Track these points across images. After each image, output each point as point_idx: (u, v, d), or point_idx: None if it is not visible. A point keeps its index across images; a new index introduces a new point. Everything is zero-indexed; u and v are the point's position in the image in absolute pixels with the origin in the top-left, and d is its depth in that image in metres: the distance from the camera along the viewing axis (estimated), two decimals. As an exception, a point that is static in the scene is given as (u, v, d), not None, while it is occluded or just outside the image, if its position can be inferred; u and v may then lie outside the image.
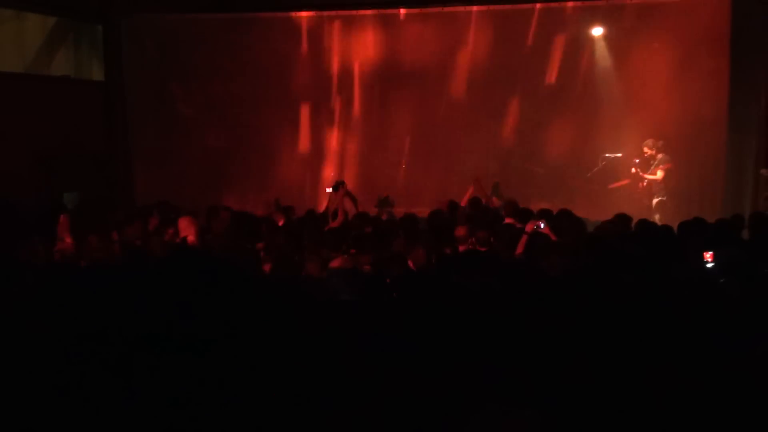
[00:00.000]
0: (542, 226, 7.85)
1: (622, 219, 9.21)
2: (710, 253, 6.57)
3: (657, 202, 13.04)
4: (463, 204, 10.84)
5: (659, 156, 13.06)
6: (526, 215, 9.13)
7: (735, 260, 6.60)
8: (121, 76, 13.99)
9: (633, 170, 13.22)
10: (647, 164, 13.16)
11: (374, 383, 4.52)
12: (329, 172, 14.47)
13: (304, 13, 14.70)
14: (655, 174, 13.00)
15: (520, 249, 7.65)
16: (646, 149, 13.15)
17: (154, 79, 14.60)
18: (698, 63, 13.21)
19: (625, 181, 13.81)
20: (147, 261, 6.98)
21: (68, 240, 8.44)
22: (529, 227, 7.92)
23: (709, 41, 13.07)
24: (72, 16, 13.44)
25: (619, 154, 14.09)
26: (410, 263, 7.02)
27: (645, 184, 13.16)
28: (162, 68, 14.59)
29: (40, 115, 12.27)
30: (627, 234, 8.62)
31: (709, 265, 6.52)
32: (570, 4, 13.55)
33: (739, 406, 4.31)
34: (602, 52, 14.15)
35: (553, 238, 7.79)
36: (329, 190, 10.27)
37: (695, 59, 13.25)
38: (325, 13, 14.69)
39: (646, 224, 9.20)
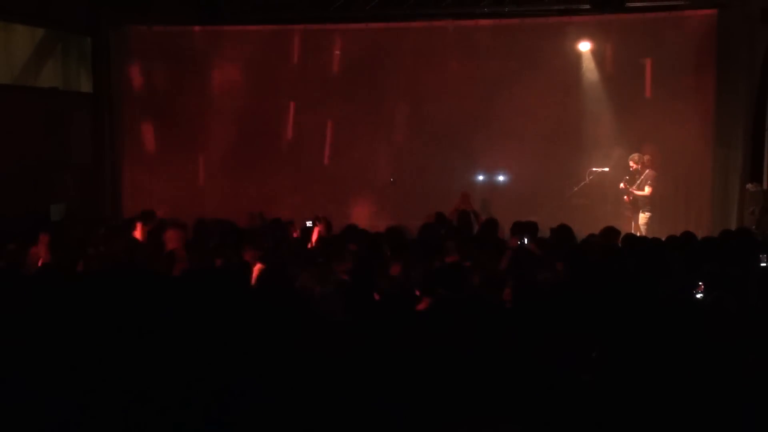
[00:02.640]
0: (526, 241, 7.88)
1: (610, 232, 9.22)
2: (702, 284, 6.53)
3: (643, 218, 13.04)
4: (449, 217, 10.86)
5: (646, 171, 13.08)
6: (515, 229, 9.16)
7: (723, 275, 6.63)
8: (109, 88, 13.97)
9: (621, 185, 13.23)
10: (633, 179, 13.19)
11: (364, 396, 4.54)
12: (318, 187, 14.37)
13: (292, 26, 14.71)
14: (642, 190, 13.02)
15: (504, 263, 7.66)
16: (632, 163, 13.16)
17: (142, 91, 14.57)
18: (684, 78, 13.30)
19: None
20: (131, 272, 6.95)
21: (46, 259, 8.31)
22: (513, 242, 7.94)
23: (695, 57, 13.16)
24: (60, 28, 13.42)
25: (606, 169, 14.13)
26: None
27: (630, 198, 13.17)
28: (150, 80, 14.56)
29: (28, 127, 12.24)
30: (615, 248, 8.63)
31: (699, 296, 6.48)
32: (556, 19, 13.60)
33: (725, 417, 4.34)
34: (589, 67, 14.21)
35: (537, 252, 7.82)
36: (309, 223, 10.31)
37: (681, 74, 13.34)
38: (313, 26, 14.70)
39: (633, 239, 9.24)
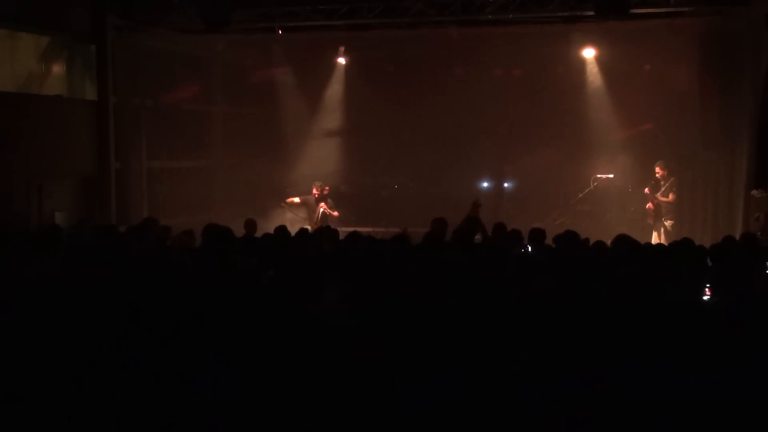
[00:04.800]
0: (530, 249, 7.86)
1: (622, 241, 9.12)
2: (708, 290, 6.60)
3: (669, 225, 12.96)
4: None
5: (671, 179, 13.05)
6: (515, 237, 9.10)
7: (728, 280, 6.62)
8: (114, 96, 13.98)
9: (646, 190, 13.19)
10: (657, 185, 13.15)
11: (367, 401, 4.55)
12: (316, 191, 14.33)
13: (296, 34, 14.73)
14: (667, 197, 13.00)
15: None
16: (658, 170, 13.12)
17: (146, 98, 14.57)
18: (688, 84, 13.30)
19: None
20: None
21: None
22: (517, 249, 7.91)
23: (699, 63, 13.15)
24: (65, 36, 13.45)
25: (611, 175, 14.13)
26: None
27: (653, 205, 13.13)
28: (155, 88, 14.56)
29: (32, 135, 12.25)
30: (619, 254, 8.58)
31: (706, 298, 6.53)
32: (560, 26, 13.59)
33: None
34: (593, 74, 14.23)
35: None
36: None
37: (685, 80, 13.34)
38: (317, 34, 14.73)
39: (637, 244, 9.18)
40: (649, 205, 13.22)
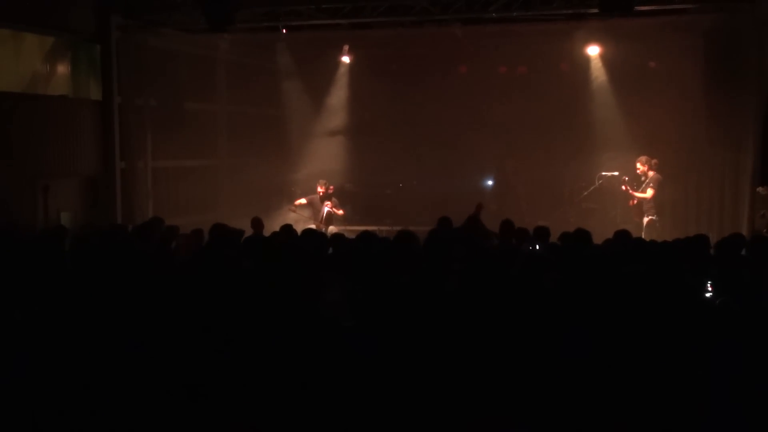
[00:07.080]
0: (537, 247, 7.86)
1: (622, 236, 9.14)
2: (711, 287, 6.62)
3: (648, 221, 12.93)
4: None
5: (651, 174, 13.02)
6: (521, 235, 9.10)
7: (736, 279, 6.61)
8: (118, 96, 13.99)
9: (623, 188, 13.15)
10: (638, 181, 13.12)
11: (368, 400, 4.57)
12: (321, 189, 14.28)
13: (300, 34, 14.72)
14: (645, 192, 12.96)
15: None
16: (639, 165, 13.11)
17: (151, 98, 14.56)
18: (693, 81, 13.27)
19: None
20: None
21: None
22: (524, 247, 7.92)
23: (703, 60, 13.13)
24: (70, 36, 13.46)
25: (616, 173, 14.11)
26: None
27: (635, 202, 13.09)
28: (159, 88, 14.55)
29: (37, 135, 12.26)
30: (625, 251, 8.57)
31: (708, 295, 6.53)
32: (564, 23, 13.55)
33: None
34: (597, 71, 14.21)
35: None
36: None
37: (690, 78, 13.31)
38: (321, 33, 14.71)
39: (642, 242, 9.18)
40: (631, 202, 13.16)
